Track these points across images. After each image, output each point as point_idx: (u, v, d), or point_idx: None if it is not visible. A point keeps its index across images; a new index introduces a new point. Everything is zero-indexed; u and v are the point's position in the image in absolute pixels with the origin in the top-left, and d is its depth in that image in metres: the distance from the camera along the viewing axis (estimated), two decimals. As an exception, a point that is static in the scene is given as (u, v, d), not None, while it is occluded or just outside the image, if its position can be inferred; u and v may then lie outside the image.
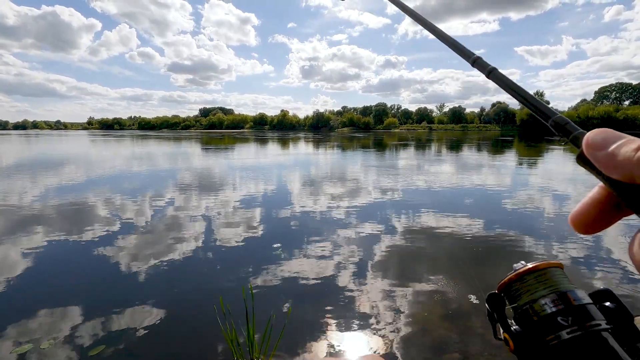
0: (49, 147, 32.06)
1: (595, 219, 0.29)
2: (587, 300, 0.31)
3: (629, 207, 0.27)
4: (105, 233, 5.86)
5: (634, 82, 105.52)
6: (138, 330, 3.10)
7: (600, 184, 0.29)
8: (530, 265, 0.36)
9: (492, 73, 0.42)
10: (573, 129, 0.31)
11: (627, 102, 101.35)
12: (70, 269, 4.52)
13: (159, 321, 3.25)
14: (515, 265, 0.38)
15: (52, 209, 7.56)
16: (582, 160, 0.29)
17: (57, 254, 5.00)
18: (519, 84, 0.37)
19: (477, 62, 0.45)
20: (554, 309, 0.32)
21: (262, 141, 42.34)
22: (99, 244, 5.34)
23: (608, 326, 0.30)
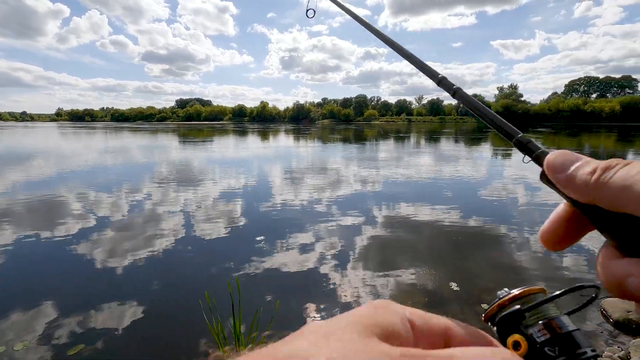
0: (14, 140, 30.39)
1: (562, 236, 0.30)
2: (573, 327, 0.32)
3: (593, 224, 0.27)
4: (80, 229, 5.64)
5: (601, 76, 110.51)
6: (119, 327, 3.02)
7: (565, 201, 0.30)
8: (515, 292, 0.36)
9: (457, 93, 0.43)
10: (535, 148, 0.32)
11: (594, 95, 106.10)
12: (44, 267, 4.33)
13: (141, 317, 3.17)
14: (499, 292, 0.37)
15: (22, 205, 7.20)
16: (545, 179, 0.30)
17: (29, 251, 4.78)
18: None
19: (442, 82, 0.46)
20: (542, 339, 0.32)
21: (242, 133, 41.70)
22: (74, 240, 5.14)
23: (594, 353, 0.30)
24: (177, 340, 2.88)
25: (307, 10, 1.11)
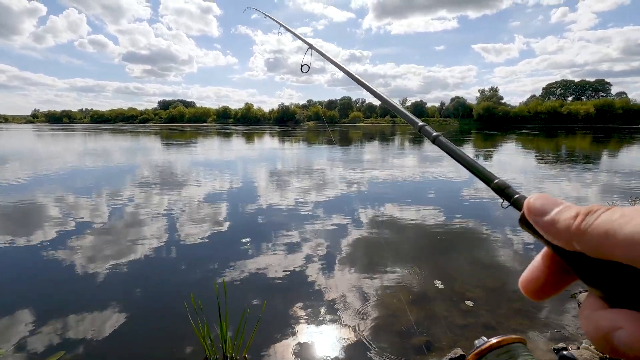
0: (-13, 142, 29.18)
1: (544, 285, 0.29)
2: None
3: (576, 273, 0.26)
4: (60, 234, 5.47)
5: (577, 80, 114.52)
6: (101, 333, 2.95)
7: (546, 247, 0.28)
8: (493, 341, 0.34)
9: (437, 139, 0.44)
10: (513, 192, 0.32)
11: (570, 98, 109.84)
12: (22, 272, 4.18)
13: (125, 322, 3.10)
14: (476, 341, 0.35)
15: (-5, 209, 6.93)
16: (525, 223, 0.29)
17: (5, 257, 4.60)
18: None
19: (422, 130, 0.47)
20: None
21: (227, 135, 41.28)
22: (54, 245, 4.98)
23: None
24: (163, 344, 2.83)
25: (302, 66, 1.15)
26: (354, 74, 0.71)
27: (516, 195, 0.31)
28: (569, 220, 0.24)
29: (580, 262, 0.24)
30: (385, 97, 0.58)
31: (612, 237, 0.21)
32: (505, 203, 0.32)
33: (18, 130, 58.04)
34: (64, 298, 3.57)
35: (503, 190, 0.33)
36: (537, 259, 0.29)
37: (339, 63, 0.81)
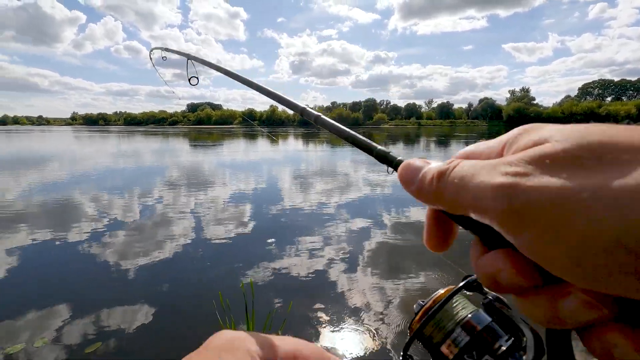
0: (31, 144, 31.19)
1: (440, 236, 0.29)
2: (488, 319, 0.30)
3: (455, 222, 0.27)
4: (95, 231, 5.75)
5: (616, 79, 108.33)
6: (134, 327, 3.08)
7: None
8: (428, 303, 0.34)
9: (317, 119, 0.45)
10: (393, 158, 0.32)
11: (609, 99, 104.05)
12: (61, 267, 4.43)
13: (155, 317, 3.22)
14: (414, 306, 0.35)
15: (38, 207, 7.39)
16: None
17: (46, 252, 4.90)
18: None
19: (304, 112, 0.48)
20: (462, 343, 0.30)
21: (253, 137, 42.01)
22: (90, 241, 5.24)
23: (508, 342, 0.28)
24: (191, 340, 2.92)
25: (190, 79, 1.03)
26: (235, 72, 0.70)
27: (398, 158, 0.32)
28: (427, 186, 0.25)
29: (452, 215, 0.26)
30: (264, 87, 0.58)
31: (462, 200, 0.23)
32: (390, 170, 0.33)
33: (59, 132, 61.68)
34: (98, 293, 3.75)
35: (385, 157, 0.33)
36: (426, 215, 0.30)
37: (220, 66, 0.80)
